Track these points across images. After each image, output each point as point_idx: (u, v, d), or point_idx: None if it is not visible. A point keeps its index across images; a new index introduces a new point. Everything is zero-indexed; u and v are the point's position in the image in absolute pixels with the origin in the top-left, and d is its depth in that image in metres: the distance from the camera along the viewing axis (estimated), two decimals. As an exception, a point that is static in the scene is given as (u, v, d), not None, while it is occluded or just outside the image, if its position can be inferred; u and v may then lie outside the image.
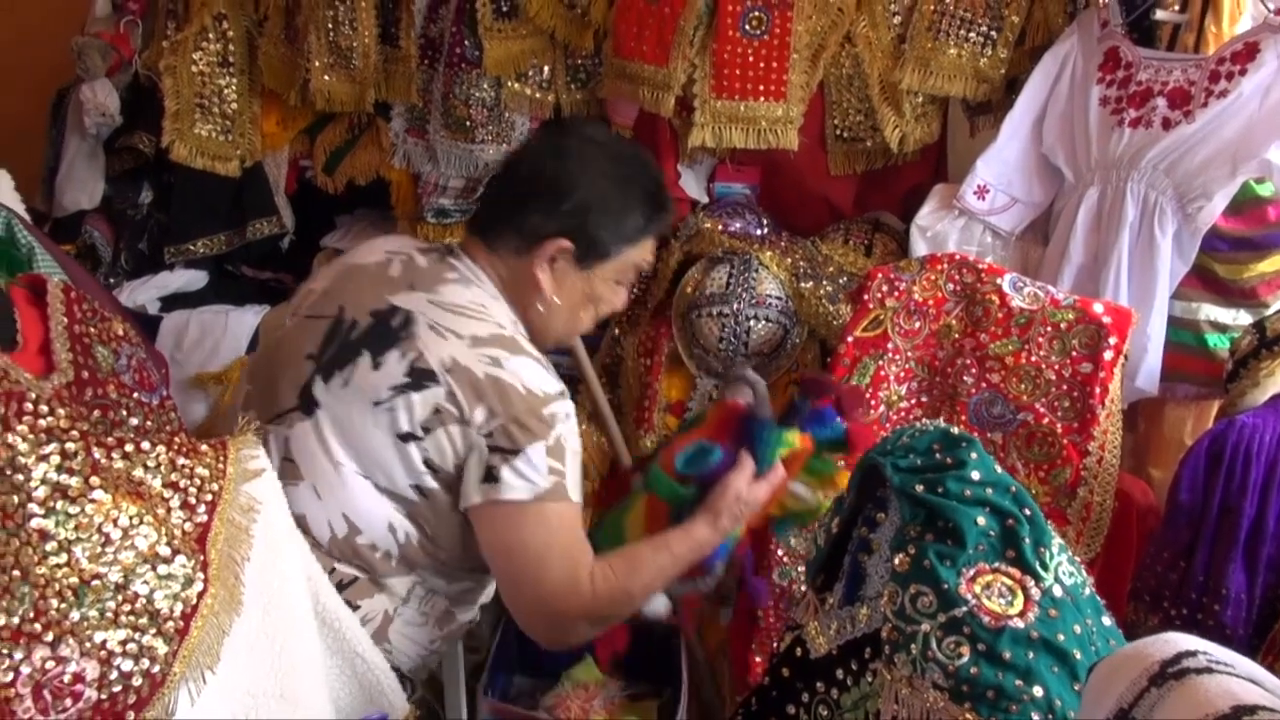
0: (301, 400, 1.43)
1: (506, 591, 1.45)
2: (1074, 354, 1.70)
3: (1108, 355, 1.68)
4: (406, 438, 1.38)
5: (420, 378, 1.38)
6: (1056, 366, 1.70)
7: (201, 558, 1.10)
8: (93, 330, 1.21)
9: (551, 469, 1.38)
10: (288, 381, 1.45)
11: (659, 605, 1.70)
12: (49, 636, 0.94)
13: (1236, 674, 0.61)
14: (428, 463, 1.39)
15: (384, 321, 1.42)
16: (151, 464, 1.12)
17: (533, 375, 1.40)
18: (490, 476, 1.37)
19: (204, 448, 1.20)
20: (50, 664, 0.94)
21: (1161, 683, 0.62)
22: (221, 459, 1.20)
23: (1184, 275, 1.87)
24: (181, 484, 1.13)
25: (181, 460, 1.16)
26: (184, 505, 1.11)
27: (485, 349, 1.39)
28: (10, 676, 0.90)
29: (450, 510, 1.42)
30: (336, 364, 1.42)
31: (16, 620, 0.92)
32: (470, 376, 1.37)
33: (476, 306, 1.44)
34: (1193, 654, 0.63)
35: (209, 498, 1.14)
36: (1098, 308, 1.72)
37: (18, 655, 0.92)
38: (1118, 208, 1.88)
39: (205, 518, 1.13)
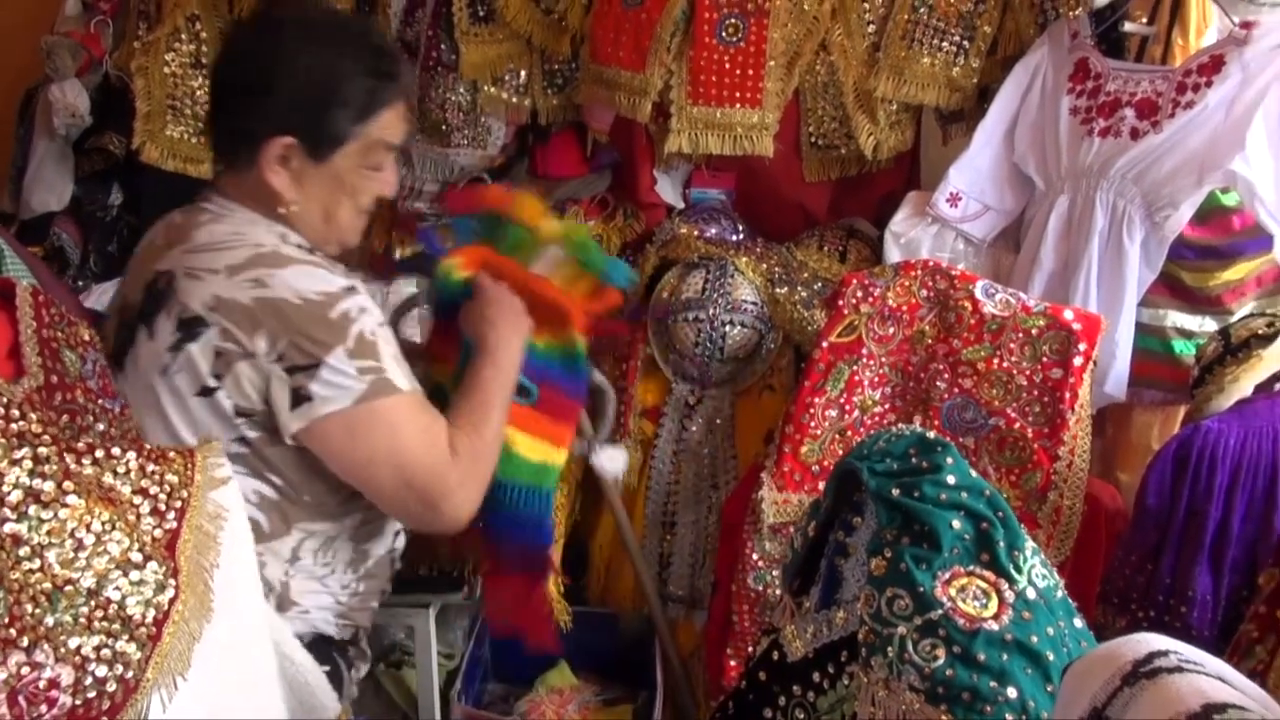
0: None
1: (382, 501, 1.39)
2: (1044, 360, 1.72)
3: (1077, 361, 1.71)
4: (206, 392, 1.33)
5: (190, 327, 1.32)
6: (1028, 372, 1.73)
7: (172, 564, 1.09)
8: (60, 335, 1.20)
9: (361, 369, 1.32)
10: None
11: (618, 464, 1.67)
12: (24, 642, 0.93)
13: (1206, 673, 0.62)
14: (238, 410, 1.34)
15: (151, 290, 1.37)
16: (121, 470, 1.11)
17: (307, 281, 1.33)
18: (300, 398, 1.31)
19: (172, 454, 1.19)
20: (26, 670, 0.92)
21: (1134, 682, 0.63)
22: (190, 466, 1.18)
23: (1151, 283, 1.90)
24: (151, 490, 1.12)
25: (151, 466, 1.14)
26: (154, 511, 1.10)
27: (245, 274, 1.33)
28: None
29: (282, 450, 1.36)
30: (123, 351, 1.38)
31: None
32: (238, 307, 1.31)
33: (231, 236, 1.38)
34: (1164, 654, 0.64)
35: (178, 504, 1.13)
36: (1068, 314, 1.74)
37: None
38: (1087, 216, 1.90)
39: (175, 524, 1.12)
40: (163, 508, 1.10)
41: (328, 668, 1.44)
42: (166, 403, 1.34)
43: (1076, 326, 1.73)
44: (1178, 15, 1.93)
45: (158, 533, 1.08)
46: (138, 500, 1.09)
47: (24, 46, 2.50)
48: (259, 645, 1.25)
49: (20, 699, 0.91)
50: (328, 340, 1.31)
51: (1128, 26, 1.97)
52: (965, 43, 2.11)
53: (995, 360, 1.74)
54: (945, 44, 2.11)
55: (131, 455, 1.11)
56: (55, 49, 2.33)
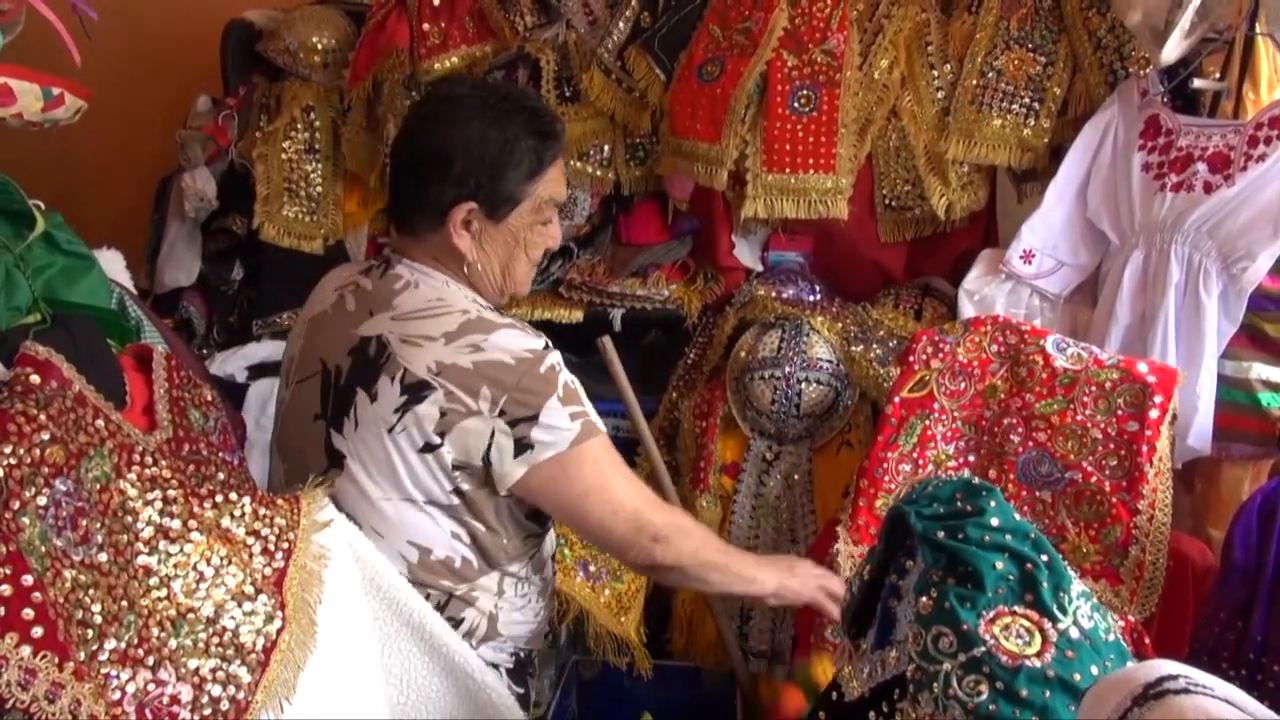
0: (330, 458, 1.51)
1: (600, 536, 1.54)
2: (1119, 413, 1.72)
3: (1153, 414, 1.70)
4: (429, 448, 1.46)
5: (416, 390, 1.45)
6: (1102, 425, 1.73)
7: (279, 599, 1.21)
8: (187, 395, 1.36)
9: (573, 415, 1.47)
10: (311, 447, 1.53)
11: None
12: (150, 661, 1.05)
13: (1214, 695, 0.65)
14: (456, 464, 1.47)
15: (361, 355, 1.50)
16: (238, 513, 1.24)
17: (515, 343, 1.47)
18: (524, 446, 1.45)
19: (280, 501, 1.32)
20: (151, 686, 1.05)
21: (1143, 703, 0.66)
22: (296, 511, 1.31)
23: (1234, 335, 1.88)
24: (263, 532, 1.25)
25: (263, 510, 1.27)
26: (264, 551, 1.23)
27: (461, 340, 1.46)
28: (118, 695, 1.01)
29: (491, 500, 1.51)
30: (341, 412, 1.51)
31: (124, 645, 1.04)
32: (460, 372, 1.44)
33: (434, 303, 1.51)
34: (1174, 677, 0.67)
35: (286, 545, 1.26)
36: (1142, 367, 1.74)
37: (124, 676, 1.03)
38: (1163, 269, 1.91)
39: (282, 563, 1.24)
40: (272, 548, 1.23)
41: (522, 690, 1.58)
42: (386, 459, 1.48)
43: (1151, 379, 1.72)
44: (1248, 70, 1.94)
45: (267, 570, 1.20)
46: (250, 541, 1.22)
47: (160, 140, 2.77)
48: (364, 679, 1.35)
49: (147, 713, 1.03)
50: (543, 392, 1.46)
51: (1198, 83, 1.99)
52: (1035, 104, 2.15)
53: (1069, 414, 1.75)
54: (1015, 106, 2.15)
55: (246, 500, 1.24)
56: (188, 141, 2.58)
